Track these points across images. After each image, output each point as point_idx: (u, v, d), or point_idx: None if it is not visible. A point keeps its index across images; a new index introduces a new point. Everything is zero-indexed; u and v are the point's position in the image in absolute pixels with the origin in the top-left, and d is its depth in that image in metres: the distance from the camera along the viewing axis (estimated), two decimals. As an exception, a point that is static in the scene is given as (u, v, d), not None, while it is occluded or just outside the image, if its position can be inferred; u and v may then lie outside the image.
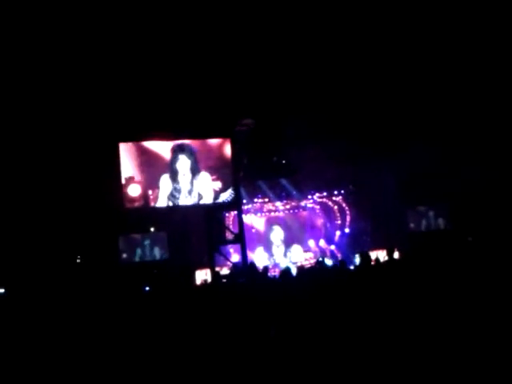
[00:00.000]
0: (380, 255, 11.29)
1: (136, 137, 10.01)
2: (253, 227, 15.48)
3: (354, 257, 13.05)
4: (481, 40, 10.33)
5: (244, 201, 14.24)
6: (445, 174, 13.46)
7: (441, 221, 14.79)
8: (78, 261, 12.50)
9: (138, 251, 13.39)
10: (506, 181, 13.74)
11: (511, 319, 4.54)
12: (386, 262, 7.58)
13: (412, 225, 14.78)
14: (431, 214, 14.86)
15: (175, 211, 11.27)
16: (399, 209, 14.65)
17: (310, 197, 15.96)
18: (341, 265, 7.54)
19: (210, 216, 10.58)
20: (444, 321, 4.77)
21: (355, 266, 7.99)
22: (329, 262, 10.72)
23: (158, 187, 10.00)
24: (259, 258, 14.52)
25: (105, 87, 9.84)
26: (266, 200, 15.56)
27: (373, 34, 9.34)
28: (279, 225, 15.86)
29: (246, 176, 12.57)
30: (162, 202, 10.05)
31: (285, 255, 15.49)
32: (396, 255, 10.34)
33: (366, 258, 6.55)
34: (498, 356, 4.07)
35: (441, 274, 5.89)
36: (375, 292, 5.54)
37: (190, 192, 10.18)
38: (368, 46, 9.75)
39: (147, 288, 8.82)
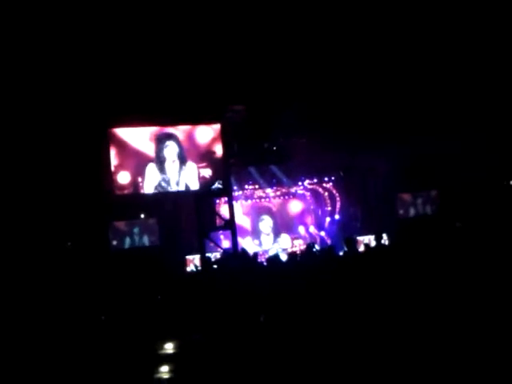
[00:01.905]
0: (368, 241, 11.42)
1: (123, 123, 9.92)
2: (243, 214, 15.53)
3: (343, 243, 13.16)
4: (476, 33, 10.33)
5: (234, 187, 14.25)
6: (435, 161, 13.55)
7: (429, 208, 14.93)
8: (68, 247, 12.46)
9: (127, 240, 13.33)
10: (496, 170, 13.89)
11: (498, 302, 4.61)
12: (374, 247, 7.66)
13: (401, 211, 14.90)
14: (419, 201, 14.98)
15: (165, 198, 11.26)
16: (389, 195, 14.75)
17: (300, 183, 16.02)
18: (329, 250, 7.62)
19: (200, 202, 10.58)
20: (431, 305, 4.84)
21: (343, 252, 8.07)
22: (318, 248, 10.82)
23: (144, 177, 9.95)
24: (248, 245, 14.59)
25: (90, 72, 9.72)
26: (257, 187, 15.58)
27: (365, 21, 9.29)
28: (268, 214, 15.91)
29: (236, 162, 12.56)
30: (150, 190, 10.02)
31: (274, 242, 15.59)
32: (385, 240, 10.49)
33: (351, 244, 6.62)
34: (488, 340, 4.13)
35: (429, 258, 5.96)
36: (362, 277, 5.60)
37: (177, 183, 10.13)
38: (360, 33, 9.71)
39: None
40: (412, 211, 15.00)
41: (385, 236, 11.11)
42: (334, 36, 9.73)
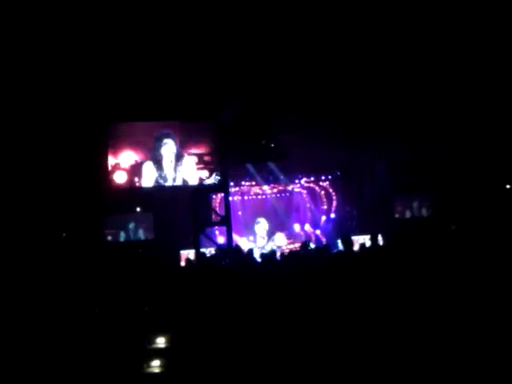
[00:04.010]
0: (364, 240, 11.42)
1: (121, 119, 9.90)
2: (239, 210, 15.53)
3: (338, 241, 13.17)
4: (472, 35, 10.32)
5: (231, 183, 14.23)
6: (432, 164, 13.59)
7: (424, 211, 14.95)
8: (63, 238, 12.41)
9: (122, 234, 13.26)
10: (492, 174, 13.93)
11: (492, 304, 4.63)
12: (369, 247, 7.65)
13: (397, 213, 14.92)
14: (416, 203, 15.00)
15: (162, 192, 11.24)
16: (385, 196, 14.77)
17: (297, 181, 16.02)
18: (324, 248, 7.61)
19: (196, 197, 10.58)
20: (425, 305, 4.85)
21: (338, 250, 8.07)
22: (313, 246, 10.85)
23: (141, 175, 9.94)
24: (243, 242, 14.59)
25: (88, 69, 9.67)
26: (253, 183, 15.57)
27: (362, 19, 9.26)
28: (264, 216, 15.92)
29: (233, 159, 12.54)
30: (148, 185, 10.01)
31: (269, 241, 15.62)
32: (380, 241, 10.48)
33: (347, 242, 6.63)
34: (481, 340, 4.14)
35: (423, 260, 5.97)
36: (356, 276, 5.60)
37: (174, 180, 10.13)
38: (359, 33, 9.68)
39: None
40: (408, 213, 15.03)
41: (380, 237, 11.11)
42: (334, 35, 9.69)
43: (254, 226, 15.81)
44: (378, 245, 7.84)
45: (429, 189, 14.65)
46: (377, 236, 7.68)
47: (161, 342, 5.39)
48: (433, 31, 10.04)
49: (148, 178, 9.96)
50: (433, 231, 12.19)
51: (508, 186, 15.38)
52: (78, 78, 9.72)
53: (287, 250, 12.51)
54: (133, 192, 10.71)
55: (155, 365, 5.04)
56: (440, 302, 4.87)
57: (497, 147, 13.26)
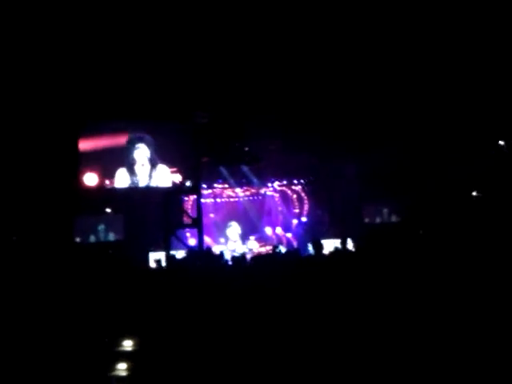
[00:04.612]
0: (335, 244, 11.52)
1: (93, 122, 9.76)
2: (211, 213, 15.49)
3: (309, 245, 13.27)
4: (443, 47, 10.58)
5: (204, 185, 14.18)
6: (402, 170, 13.83)
7: (394, 217, 15.22)
8: (14, 240, 12.09)
9: (92, 237, 13.02)
10: (459, 181, 14.28)
11: (457, 303, 4.74)
12: (338, 251, 7.74)
13: (367, 218, 15.14)
14: (385, 210, 15.25)
15: (133, 194, 11.13)
16: (356, 202, 14.96)
17: (270, 185, 16.10)
18: (295, 252, 7.66)
19: (168, 199, 10.51)
20: (391, 308, 4.92)
21: (308, 254, 8.14)
22: (283, 249, 10.91)
23: (114, 180, 9.80)
24: (216, 246, 14.55)
25: (64, 70, 9.52)
26: (226, 186, 15.56)
27: (336, 25, 9.40)
28: (236, 219, 15.92)
29: (207, 161, 12.52)
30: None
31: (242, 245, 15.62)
32: (350, 245, 10.62)
33: (318, 246, 6.69)
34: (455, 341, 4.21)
35: (392, 264, 6.06)
36: (326, 279, 5.66)
37: (147, 186, 10.03)
38: (332, 37, 9.81)
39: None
40: (378, 219, 15.26)
41: (350, 241, 11.25)
42: (306, 42, 9.81)
43: (225, 228, 15.79)
44: (347, 249, 7.93)
45: (398, 195, 14.92)
46: (346, 240, 7.77)
47: (128, 344, 5.32)
48: (404, 45, 10.27)
49: (120, 184, 9.83)
50: (401, 236, 12.40)
51: (474, 193, 15.79)
52: (48, 74, 9.55)
53: (258, 253, 12.55)
54: (103, 193, 10.58)
55: (121, 368, 4.97)
56: (408, 303, 4.96)
57: (465, 155, 13.61)
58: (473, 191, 15.55)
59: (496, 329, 4.31)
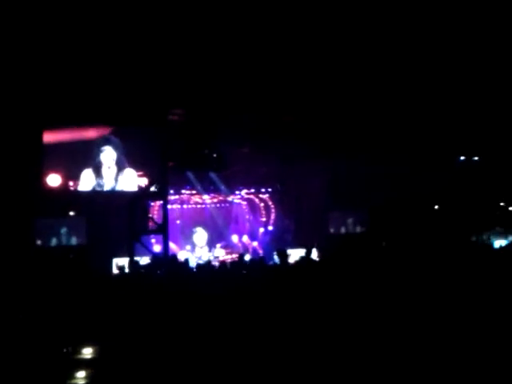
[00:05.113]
0: (300, 254, 11.62)
1: (60, 122, 9.56)
2: (177, 219, 15.38)
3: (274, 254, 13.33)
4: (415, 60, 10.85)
5: (171, 191, 14.07)
6: (368, 181, 14.10)
7: (358, 227, 15.47)
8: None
9: (54, 240, 12.67)
10: (422, 194, 14.67)
11: (418, 313, 4.87)
12: (303, 261, 7.83)
13: (332, 228, 15.33)
14: (350, 220, 15.49)
15: (98, 197, 10.93)
16: (322, 211, 15.14)
17: (237, 192, 16.09)
18: (260, 261, 7.69)
19: (133, 204, 10.37)
20: (354, 318, 5.01)
21: (273, 263, 8.19)
22: (248, 257, 10.92)
23: (79, 181, 9.61)
24: (181, 253, 14.44)
25: (28, 71, 9.30)
26: (194, 192, 15.48)
27: (305, 32, 9.50)
28: (202, 225, 15.86)
29: (174, 166, 12.43)
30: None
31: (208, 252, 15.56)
32: (314, 255, 10.74)
33: (282, 256, 6.74)
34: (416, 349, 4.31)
35: (355, 274, 6.18)
36: (289, 289, 5.71)
37: (113, 189, 9.87)
38: (301, 47, 9.93)
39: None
40: (343, 229, 15.47)
41: (315, 251, 11.38)
42: (275, 50, 9.90)
43: (192, 234, 15.70)
44: (312, 259, 8.03)
45: (363, 206, 15.19)
46: (311, 250, 7.86)
47: (87, 352, 5.22)
48: (370, 55, 10.49)
49: (85, 185, 9.65)
50: (365, 247, 12.63)
51: (436, 207, 16.25)
52: (10, 73, 9.31)
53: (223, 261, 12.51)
54: (67, 195, 10.35)
55: (80, 376, 4.88)
56: (371, 313, 5.06)
57: (427, 169, 14.00)
58: (435, 205, 16.01)
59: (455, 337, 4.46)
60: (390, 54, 10.48)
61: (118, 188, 9.98)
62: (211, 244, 15.74)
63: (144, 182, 10.11)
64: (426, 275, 5.88)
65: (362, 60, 10.65)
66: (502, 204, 16.70)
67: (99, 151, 9.91)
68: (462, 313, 4.87)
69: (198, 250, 15.53)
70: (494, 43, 10.37)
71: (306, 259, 7.75)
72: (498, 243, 12.97)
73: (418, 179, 13.70)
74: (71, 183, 9.61)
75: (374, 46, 10.28)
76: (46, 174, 9.41)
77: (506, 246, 11.00)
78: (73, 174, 9.73)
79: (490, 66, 11.22)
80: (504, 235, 15.25)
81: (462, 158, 15.82)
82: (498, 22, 9.71)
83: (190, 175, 15.07)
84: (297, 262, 8.16)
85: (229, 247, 15.62)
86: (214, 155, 14.38)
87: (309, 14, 9.21)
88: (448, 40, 10.35)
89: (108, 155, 9.94)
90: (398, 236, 13.03)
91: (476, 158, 15.83)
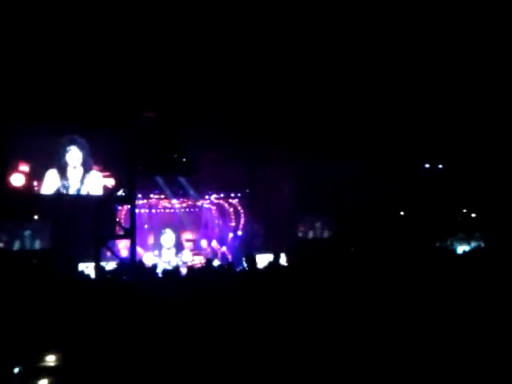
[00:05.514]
0: (269, 259, 11.66)
1: (24, 122, 9.31)
2: (145, 223, 15.21)
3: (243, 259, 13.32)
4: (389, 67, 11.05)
5: (139, 195, 13.92)
6: (336, 187, 14.29)
7: (326, 232, 15.67)
8: None
9: (17, 243, 12.32)
10: (388, 201, 14.97)
11: (386, 319, 4.95)
12: (271, 266, 7.85)
13: (300, 233, 15.46)
14: (318, 224, 15.66)
15: (63, 200, 10.67)
16: (290, 216, 15.25)
17: (207, 197, 16.04)
18: (228, 267, 7.67)
19: (100, 208, 10.19)
20: (321, 324, 5.05)
21: (242, 268, 8.19)
22: (217, 262, 10.86)
23: (42, 181, 9.36)
24: (148, 257, 14.28)
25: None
26: (162, 196, 15.35)
27: (270, 35, 9.56)
28: (171, 227, 15.72)
29: (143, 170, 12.30)
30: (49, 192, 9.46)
31: (176, 256, 15.42)
32: (283, 260, 10.79)
33: (251, 261, 6.75)
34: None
35: (323, 279, 6.23)
36: (258, 294, 5.72)
37: (78, 191, 9.64)
38: (269, 52, 10.00)
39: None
40: (311, 234, 15.62)
41: (283, 256, 11.43)
42: (244, 56, 9.93)
43: (159, 238, 15.53)
44: (279, 264, 8.06)
45: (331, 211, 15.38)
46: (279, 255, 7.89)
47: (51, 359, 5.10)
48: (341, 61, 10.64)
49: (49, 186, 9.41)
50: (332, 253, 12.77)
51: (402, 213, 16.59)
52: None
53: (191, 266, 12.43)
54: (31, 198, 10.08)
55: (42, 384, 4.75)
56: (338, 317, 5.11)
57: (394, 175, 14.29)
58: (400, 211, 16.34)
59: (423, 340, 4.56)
60: (355, 61, 10.66)
61: (84, 190, 9.76)
62: (179, 247, 15.62)
63: (111, 182, 9.92)
64: (392, 280, 6.00)
65: (329, 68, 10.80)
66: (464, 211, 17.20)
67: (65, 151, 9.66)
68: (427, 316, 4.98)
69: (165, 252, 15.36)
70: (456, 54, 10.69)
71: (274, 264, 7.77)
72: (461, 249, 13.32)
73: (384, 185, 13.97)
74: (35, 183, 9.33)
75: (337, 52, 10.43)
76: (10, 174, 9.12)
77: (469, 251, 11.30)
78: (37, 174, 9.44)
79: (455, 77, 11.55)
80: (467, 241, 15.71)
81: (427, 165, 16.23)
82: (457, 36, 10.02)
83: (159, 179, 14.94)
84: (265, 268, 8.17)
85: (197, 251, 15.53)
86: (184, 159, 14.31)
87: (274, 18, 9.28)
88: (410, 48, 10.60)
89: (74, 155, 9.69)
90: (366, 241, 13.23)
91: (440, 166, 16.27)
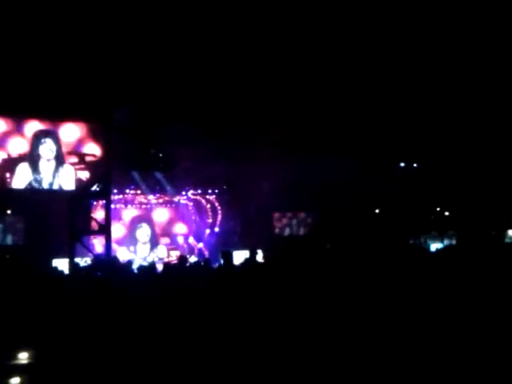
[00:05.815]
0: (245, 255, 11.68)
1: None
2: (120, 219, 15.05)
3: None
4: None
5: (114, 190, 13.75)
6: (313, 185, 14.41)
7: (302, 229, 15.80)
8: None
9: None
10: (363, 199, 15.17)
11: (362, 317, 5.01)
12: (247, 262, 7.88)
13: (277, 230, 15.56)
14: (294, 221, 15.78)
15: (37, 195, 10.48)
16: (267, 213, 15.32)
17: (184, 193, 15.96)
18: (205, 263, 7.67)
19: (74, 203, 10.04)
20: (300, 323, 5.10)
21: (218, 265, 8.20)
22: (193, 259, 10.82)
23: (14, 174, 9.14)
24: (123, 253, 14.15)
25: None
26: (138, 192, 15.21)
27: (250, 33, 9.59)
28: (147, 222, 15.60)
29: (118, 165, 12.16)
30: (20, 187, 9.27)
31: (151, 251, 15.32)
32: (259, 256, 10.84)
33: (227, 257, 6.77)
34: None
35: (299, 276, 6.28)
36: (233, 291, 5.74)
37: (50, 184, 9.42)
38: (246, 49, 10.02)
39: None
40: (287, 230, 15.73)
41: (260, 252, 11.49)
42: (223, 52, 9.94)
43: (135, 234, 15.39)
44: (256, 261, 8.10)
45: (308, 208, 15.51)
46: (256, 252, 7.92)
47: (23, 357, 5.04)
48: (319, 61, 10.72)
49: (21, 180, 9.19)
50: (309, 249, 12.88)
51: (377, 211, 16.83)
52: None
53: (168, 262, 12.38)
54: (3, 192, 9.86)
55: (15, 382, 4.70)
56: (312, 314, 5.16)
57: (369, 174, 14.49)
58: (375, 209, 16.57)
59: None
60: (330, 61, 10.76)
61: (56, 184, 9.56)
62: (154, 242, 15.50)
63: (85, 175, 9.75)
64: (367, 276, 6.07)
65: (306, 66, 10.88)
66: (438, 209, 17.54)
67: (38, 144, 9.41)
68: (401, 313, 5.06)
69: (140, 247, 15.22)
70: (431, 53, 10.88)
71: (251, 261, 7.80)
72: (435, 246, 13.58)
73: (360, 184, 14.14)
74: (8, 174, 9.09)
75: (314, 53, 10.52)
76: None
77: (442, 249, 11.51)
78: (8, 166, 9.18)
79: (431, 77, 11.75)
80: (440, 238, 16.03)
81: (402, 164, 16.50)
82: (434, 37, 10.20)
83: (135, 174, 14.80)
84: (241, 264, 8.19)
85: (173, 247, 15.44)
86: (161, 155, 14.22)
87: (254, 12, 9.30)
88: (386, 49, 10.75)
89: (47, 148, 9.43)
90: (342, 238, 13.38)
91: (415, 165, 16.56)
